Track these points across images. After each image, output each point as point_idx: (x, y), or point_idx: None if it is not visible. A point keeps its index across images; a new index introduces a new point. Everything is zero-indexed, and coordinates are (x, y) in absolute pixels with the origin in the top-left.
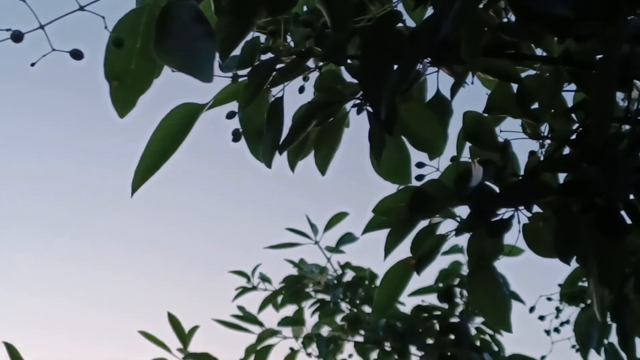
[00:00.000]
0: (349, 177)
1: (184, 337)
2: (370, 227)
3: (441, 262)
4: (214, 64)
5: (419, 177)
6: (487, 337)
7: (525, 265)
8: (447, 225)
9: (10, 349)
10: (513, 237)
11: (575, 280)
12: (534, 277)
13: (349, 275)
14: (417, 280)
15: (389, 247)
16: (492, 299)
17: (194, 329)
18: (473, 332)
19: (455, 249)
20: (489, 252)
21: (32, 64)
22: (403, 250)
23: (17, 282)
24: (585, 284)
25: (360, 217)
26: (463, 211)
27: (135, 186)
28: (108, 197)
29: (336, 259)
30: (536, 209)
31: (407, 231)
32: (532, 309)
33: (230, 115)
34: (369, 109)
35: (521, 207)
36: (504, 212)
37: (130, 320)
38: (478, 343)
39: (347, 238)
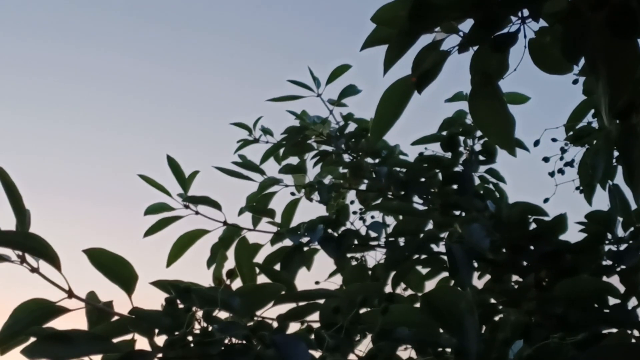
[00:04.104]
0: (351, 31)
1: (184, 181)
2: (369, 42)
3: (445, 111)
4: None
5: None
6: (491, 186)
7: (531, 113)
8: (450, 42)
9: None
10: (519, 53)
11: (582, 113)
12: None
13: (352, 127)
14: (421, 130)
15: (389, 62)
16: (495, 118)
17: (194, 174)
18: (476, 181)
19: (459, 96)
20: (493, 69)
21: None
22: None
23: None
24: (592, 123)
25: (364, 70)
26: (467, 27)
27: None
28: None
29: (338, 112)
30: (542, 23)
31: (407, 44)
32: (536, 143)
33: None
34: None
35: (528, 20)
36: (509, 26)
37: (129, 170)
38: (481, 192)
39: (350, 90)
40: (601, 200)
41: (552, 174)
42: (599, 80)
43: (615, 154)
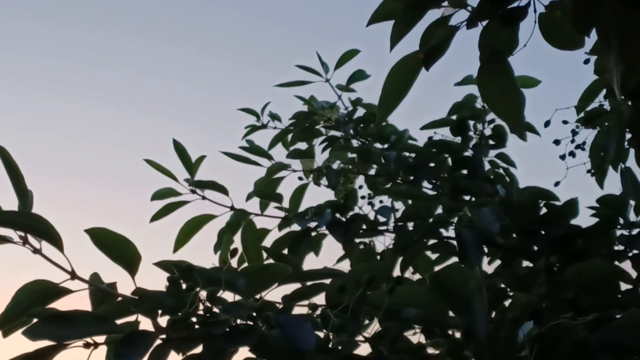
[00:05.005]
0: (360, 16)
1: (191, 165)
2: (375, 17)
3: (455, 95)
4: None
5: None
6: (501, 171)
7: (542, 94)
8: (459, 17)
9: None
10: (529, 29)
11: (593, 93)
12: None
13: (360, 112)
14: (430, 114)
15: (396, 37)
16: (504, 94)
17: (201, 159)
18: (486, 166)
19: (468, 80)
20: (502, 45)
21: None
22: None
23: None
24: (603, 104)
25: (373, 55)
26: (476, 2)
27: None
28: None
29: (347, 97)
30: None
31: (414, 19)
32: (547, 123)
33: None
34: None
35: None
36: (519, 0)
37: (135, 154)
38: (491, 177)
39: (359, 75)
40: (613, 184)
41: (563, 157)
42: (610, 53)
43: (628, 135)
